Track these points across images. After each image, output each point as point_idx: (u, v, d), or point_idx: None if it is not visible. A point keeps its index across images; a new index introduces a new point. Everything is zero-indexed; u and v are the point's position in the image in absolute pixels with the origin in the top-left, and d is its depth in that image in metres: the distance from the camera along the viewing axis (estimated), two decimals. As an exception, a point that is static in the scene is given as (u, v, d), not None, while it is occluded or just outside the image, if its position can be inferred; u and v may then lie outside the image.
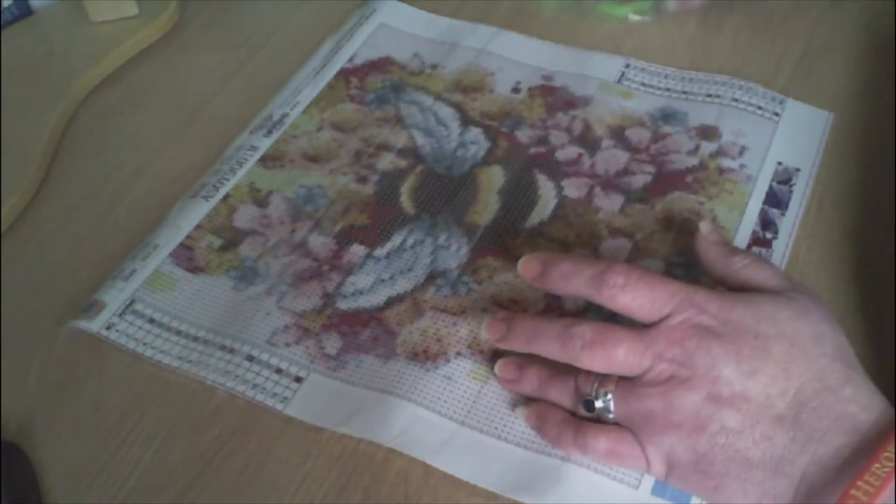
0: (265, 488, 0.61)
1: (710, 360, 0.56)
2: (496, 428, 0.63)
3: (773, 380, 0.55)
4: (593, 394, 0.59)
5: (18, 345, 0.70)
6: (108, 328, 0.69)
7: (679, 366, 0.56)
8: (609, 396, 0.58)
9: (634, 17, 0.94)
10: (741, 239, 0.72)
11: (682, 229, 0.73)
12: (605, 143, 0.80)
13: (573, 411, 0.61)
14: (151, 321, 0.70)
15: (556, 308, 0.69)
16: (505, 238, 0.74)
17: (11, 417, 0.65)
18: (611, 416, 0.58)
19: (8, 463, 0.61)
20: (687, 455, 0.56)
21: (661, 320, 0.57)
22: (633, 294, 0.58)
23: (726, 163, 0.78)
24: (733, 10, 0.94)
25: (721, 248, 0.64)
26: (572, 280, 0.60)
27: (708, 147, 0.79)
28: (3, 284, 0.73)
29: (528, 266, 0.62)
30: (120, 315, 0.70)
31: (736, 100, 0.83)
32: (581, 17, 0.94)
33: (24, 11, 0.95)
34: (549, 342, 0.60)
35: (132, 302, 0.71)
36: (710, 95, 0.84)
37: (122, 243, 0.76)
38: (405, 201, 0.77)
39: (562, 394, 0.61)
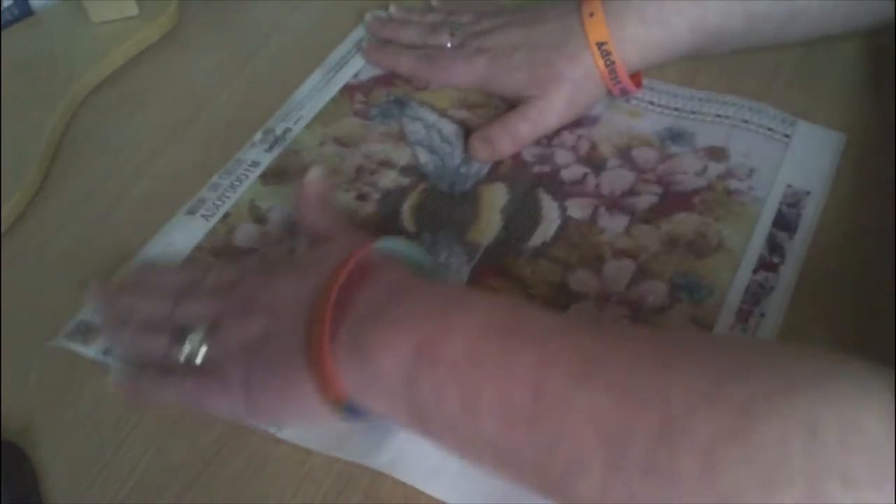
0: (265, 488, 0.65)
1: None
2: None
3: None
4: None
5: (19, 345, 0.74)
6: (105, 353, 0.72)
7: None
8: None
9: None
10: (747, 262, 0.76)
11: (687, 251, 0.77)
12: (612, 162, 0.84)
13: None
14: None
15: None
16: (506, 258, 0.78)
17: (11, 417, 0.69)
18: None
19: (8, 463, 0.65)
20: None
21: None
22: None
23: (734, 184, 0.82)
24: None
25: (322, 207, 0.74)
26: None
27: (716, 168, 0.83)
28: (3, 284, 0.78)
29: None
30: None
31: (745, 121, 0.86)
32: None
33: (24, 11, 1.00)
34: None
35: None
36: (719, 116, 0.87)
37: (122, 244, 0.80)
38: (406, 220, 0.81)
39: None
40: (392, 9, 0.98)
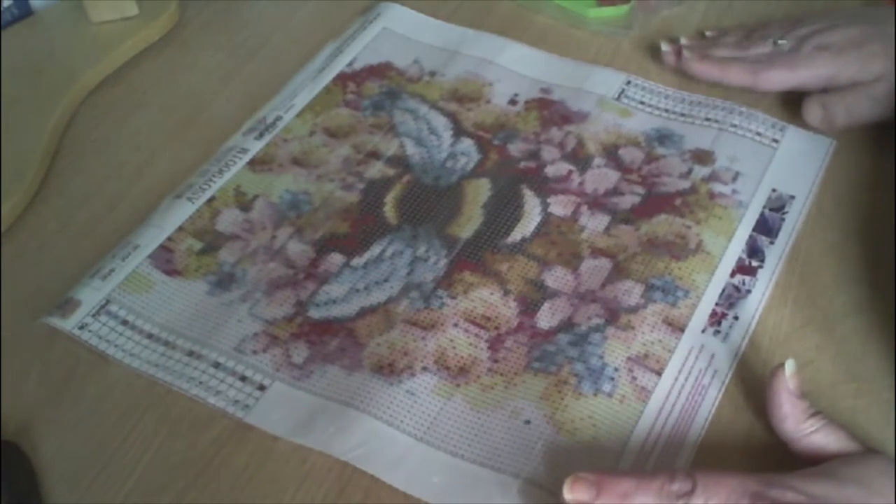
0: (265, 488, 0.66)
1: None
2: (455, 445, 0.68)
3: None
4: None
5: (19, 345, 0.75)
6: (81, 328, 0.75)
7: None
8: None
9: (595, 20, 1.01)
10: (725, 265, 0.77)
11: (665, 252, 0.78)
12: (597, 161, 0.86)
13: None
14: (124, 323, 0.75)
15: (528, 327, 0.74)
16: (484, 253, 0.79)
17: (11, 417, 0.70)
18: None
19: (8, 463, 0.66)
20: None
21: None
22: (705, 496, 0.59)
23: (718, 188, 0.83)
24: (731, 12, 1.01)
25: (797, 406, 0.65)
26: (636, 497, 0.60)
27: (701, 171, 0.85)
28: (3, 284, 0.79)
29: (577, 490, 0.61)
30: (94, 315, 0.76)
31: (734, 125, 0.88)
32: (570, 24, 1.01)
33: (24, 11, 1.01)
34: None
35: (107, 302, 0.76)
36: (708, 119, 0.89)
37: (122, 244, 0.81)
38: (388, 211, 0.83)
39: None
40: (683, 41, 0.95)
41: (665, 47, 0.94)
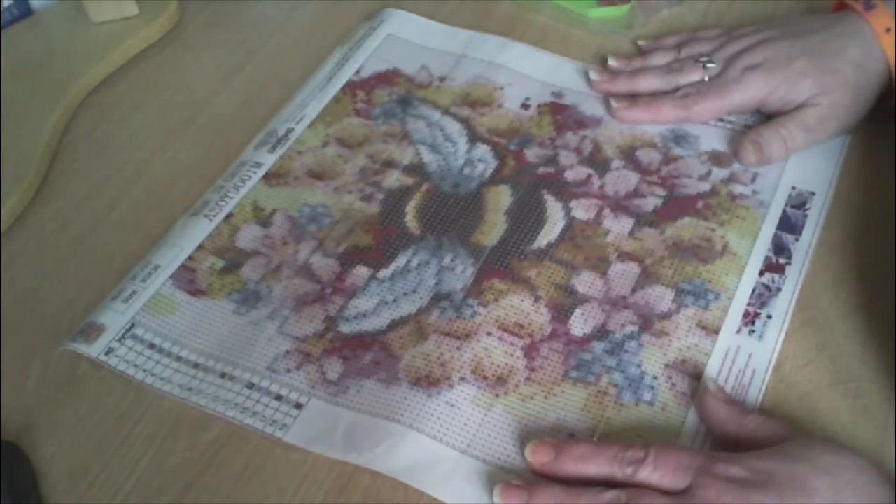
0: (265, 488, 0.66)
1: None
2: (499, 457, 0.67)
3: None
4: None
5: (19, 345, 0.74)
6: (107, 353, 0.73)
7: None
8: None
9: (595, 20, 1.01)
10: (753, 265, 0.77)
11: (692, 256, 0.78)
12: (615, 163, 0.85)
13: None
14: (151, 346, 0.74)
15: (562, 334, 0.74)
16: (511, 260, 0.79)
17: (11, 417, 0.70)
18: None
19: (8, 463, 0.65)
20: None
21: (691, 486, 0.60)
22: (654, 465, 0.61)
23: (738, 189, 0.83)
24: (731, 11, 1.01)
25: (731, 408, 0.67)
26: (591, 461, 0.63)
27: (719, 173, 0.84)
28: (3, 284, 0.78)
29: (538, 453, 0.65)
30: (120, 340, 0.74)
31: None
32: (570, 24, 1.01)
33: (24, 11, 1.00)
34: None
35: (132, 326, 0.75)
36: (721, 120, 0.88)
37: (122, 244, 0.81)
38: (410, 221, 0.82)
39: None
40: (611, 62, 0.94)
41: (595, 75, 0.93)
